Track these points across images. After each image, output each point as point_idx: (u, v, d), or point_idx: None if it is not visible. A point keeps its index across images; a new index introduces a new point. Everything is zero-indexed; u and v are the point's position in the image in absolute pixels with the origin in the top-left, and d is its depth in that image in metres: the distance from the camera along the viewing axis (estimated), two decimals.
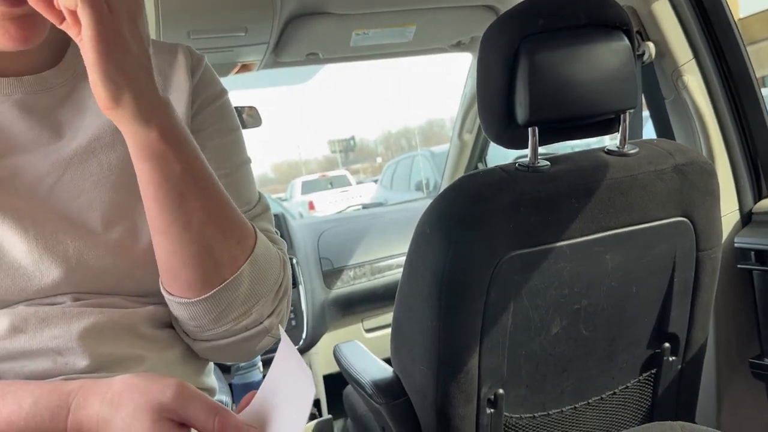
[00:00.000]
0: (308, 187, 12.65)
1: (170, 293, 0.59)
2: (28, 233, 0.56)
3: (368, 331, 2.13)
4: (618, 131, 1.02)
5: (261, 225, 0.66)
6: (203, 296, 0.58)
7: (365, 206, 3.40)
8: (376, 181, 11.71)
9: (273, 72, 2.15)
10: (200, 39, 1.63)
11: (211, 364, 0.71)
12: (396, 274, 2.08)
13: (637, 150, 1.01)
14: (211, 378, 0.70)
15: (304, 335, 1.93)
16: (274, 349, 0.52)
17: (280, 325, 0.51)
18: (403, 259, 2.06)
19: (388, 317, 2.13)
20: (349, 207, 3.46)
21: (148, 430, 0.43)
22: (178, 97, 0.66)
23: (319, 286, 2.01)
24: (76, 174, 0.59)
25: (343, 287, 2.03)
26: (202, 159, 0.57)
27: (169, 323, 0.64)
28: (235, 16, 1.56)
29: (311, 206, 11.22)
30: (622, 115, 1.00)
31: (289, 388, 0.46)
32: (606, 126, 1.03)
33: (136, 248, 0.60)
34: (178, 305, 0.59)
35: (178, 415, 0.44)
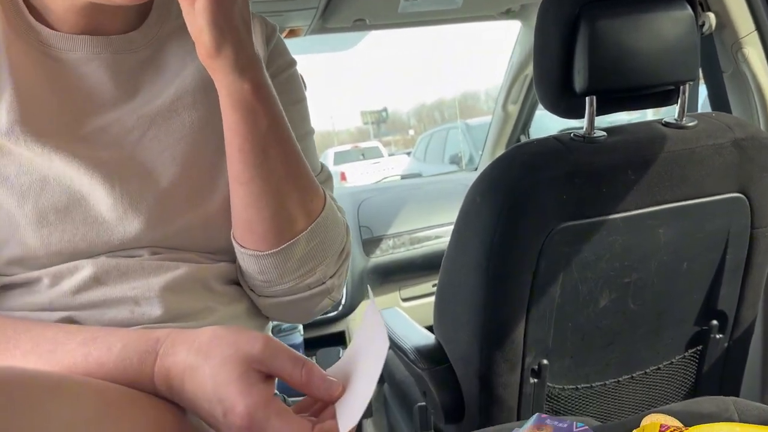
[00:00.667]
0: (340, 158, 12.64)
1: (243, 246, 0.61)
2: (114, 188, 0.57)
3: (405, 300, 2.15)
4: (676, 103, 1.00)
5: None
6: (275, 250, 0.60)
7: (403, 177, 3.40)
8: (408, 154, 11.64)
9: (316, 38, 2.14)
10: (250, 3, 1.62)
11: (270, 324, 0.73)
12: (435, 245, 2.09)
13: (695, 123, 0.99)
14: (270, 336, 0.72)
15: (343, 301, 1.96)
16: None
17: (370, 291, 0.52)
18: (442, 230, 2.09)
19: (425, 287, 2.15)
20: (387, 177, 3.46)
21: (236, 380, 0.44)
22: None
23: (359, 253, 2.03)
24: (160, 131, 0.61)
25: (382, 256, 2.05)
26: (285, 119, 0.59)
27: (237, 281, 0.66)
28: None
29: (343, 177, 11.23)
30: (681, 87, 0.98)
31: (369, 347, 0.47)
32: (664, 97, 1.00)
33: (211, 205, 0.62)
34: (249, 258, 0.61)
35: (265, 366, 0.45)
